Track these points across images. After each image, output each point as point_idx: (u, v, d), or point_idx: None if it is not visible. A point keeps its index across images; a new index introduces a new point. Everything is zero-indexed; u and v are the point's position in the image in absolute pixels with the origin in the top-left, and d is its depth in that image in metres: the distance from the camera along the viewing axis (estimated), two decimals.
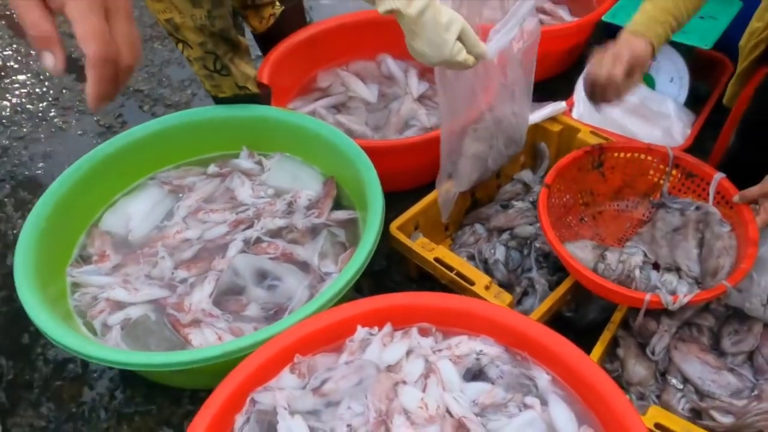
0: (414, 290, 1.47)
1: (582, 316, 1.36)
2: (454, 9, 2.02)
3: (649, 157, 1.37)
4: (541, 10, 2.03)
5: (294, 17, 1.84)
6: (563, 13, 2.00)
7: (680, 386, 1.12)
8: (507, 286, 1.41)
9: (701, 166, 1.30)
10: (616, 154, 1.40)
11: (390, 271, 1.52)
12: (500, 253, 1.42)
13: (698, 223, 1.23)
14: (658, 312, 1.19)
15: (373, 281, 1.50)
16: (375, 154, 1.44)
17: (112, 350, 1.09)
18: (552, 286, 1.36)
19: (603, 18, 1.69)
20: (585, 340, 1.22)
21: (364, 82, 1.87)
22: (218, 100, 1.56)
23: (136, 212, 1.44)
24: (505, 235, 1.46)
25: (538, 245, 1.42)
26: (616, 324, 1.19)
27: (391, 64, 1.90)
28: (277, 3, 1.81)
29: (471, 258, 1.46)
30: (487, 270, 1.42)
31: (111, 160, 1.46)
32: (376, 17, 1.88)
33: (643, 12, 1.19)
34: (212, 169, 1.54)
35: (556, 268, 1.41)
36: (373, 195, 1.29)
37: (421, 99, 1.81)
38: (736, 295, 1.15)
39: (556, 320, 1.36)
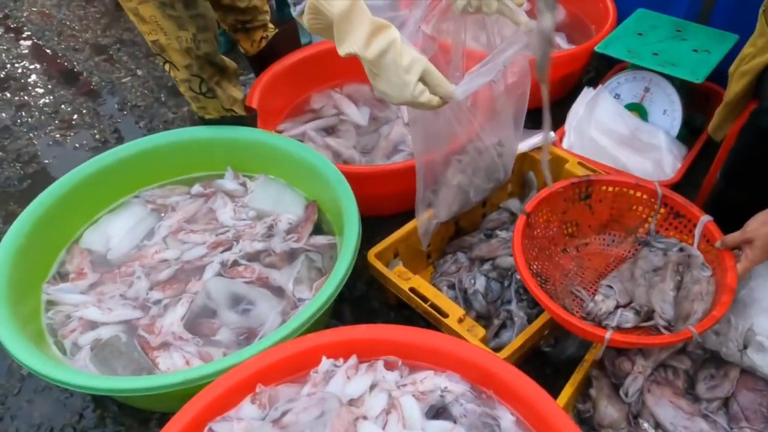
0: (393, 317, 1.46)
1: (560, 351, 1.33)
2: (456, 34, 2.03)
3: (638, 193, 1.35)
4: None
5: (287, 40, 1.85)
6: (560, 41, 1.99)
7: (652, 431, 1.09)
8: (486, 317, 1.39)
9: (689, 207, 1.27)
10: (603, 188, 1.38)
11: (369, 297, 1.50)
12: (480, 283, 1.40)
13: (678, 264, 1.20)
14: (633, 352, 1.17)
15: (352, 307, 1.49)
16: (358, 178, 1.43)
17: (74, 373, 1.08)
18: (531, 319, 1.33)
19: (596, 48, 1.68)
20: (563, 375, 1.21)
21: (357, 105, 1.87)
22: (205, 121, 1.56)
23: (117, 230, 1.44)
24: (487, 265, 1.45)
25: (519, 277, 1.40)
26: (588, 363, 1.16)
27: None
28: (270, 26, 1.82)
29: (451, 287, 1.44)
30: (467, 300, 1.40)
31: (95, 178, 1.47)
32: None
33: None
34: (196, 189, 1.54)
35: (537, 302, 1.39)
36: (350, 222, 1.28)
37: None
38: (713, 339, 1.12)
39: (534, 355, 1.34)
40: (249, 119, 1.58)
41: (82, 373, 1.11)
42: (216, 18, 1.57)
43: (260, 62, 1.81)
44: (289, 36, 1.87)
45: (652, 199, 1.34)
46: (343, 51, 0.96)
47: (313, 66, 1.89)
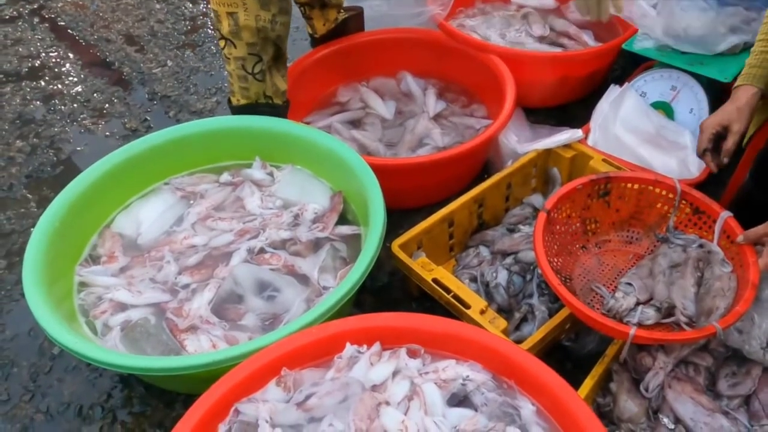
0: (414, 308, 1.48)
1: (581, 346, 1.34)
2: (482, 28, 2.04)
3: (657, 189, 1.35)
4: (565, 34, 2.02)
5: (355, 25, 1.89)
6: (587, 38, 1.99)
7: (672, 426, 1.09)
8: (507, 311, 1.40)
9: (708, 203, 1.27)
10: (623, 185, 1.39)
11: (392, 288, 1.52)
12: (502, 277, 1.42)
13: (698, 261, 1.21)
14: (654, 348, 1.17)
15: (374, 297, 1.51)
16: (383, 171, 1.45)
17: (106, 352, 1.11)
18: (552, 314, 1.34)
19: (623, 46, 1.68)
20: (583, 370, 1.21)
21: (383, 99, 1.88)
22: (235, 110, 1.59)
23: (147, 216, 1.48)
24: (509, 259, 1.46)
25: (540, 272, 1.41)
26: (609, 357, 1.17)
27: (411, 82, 1.91)
28: (342, 10, 1.86)
29: (473, 280, 1.46)
30: (488, 293, 1.41)
31: (127, 165, 1.50)
32: (399, 35, 1.93)
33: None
34: (225, 177, 1.57)
35: (558, 297, 1.40)
36: (375, 212, 1.30)
37: (437, 118, 1.82)
38: (736, 336, 1.12)
39: (555, 349, 1.35)
40: (281, 109, 1.61)
41: (114, 353, 1.14)
42: None
43: (325, 44, 1.86)
44: (357, 22, 1.92)
45: (671, 196, 1.34)
46: None
47: (340, 59, 1.92)
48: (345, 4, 1.96)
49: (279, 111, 1.58)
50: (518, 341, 1.31)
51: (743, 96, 1.27)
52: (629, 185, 1.39)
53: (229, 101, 1.59)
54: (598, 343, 1.32)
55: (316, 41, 1.91)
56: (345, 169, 1.44)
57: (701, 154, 1.32)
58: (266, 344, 1.07)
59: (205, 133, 1.58)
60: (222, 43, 1.47)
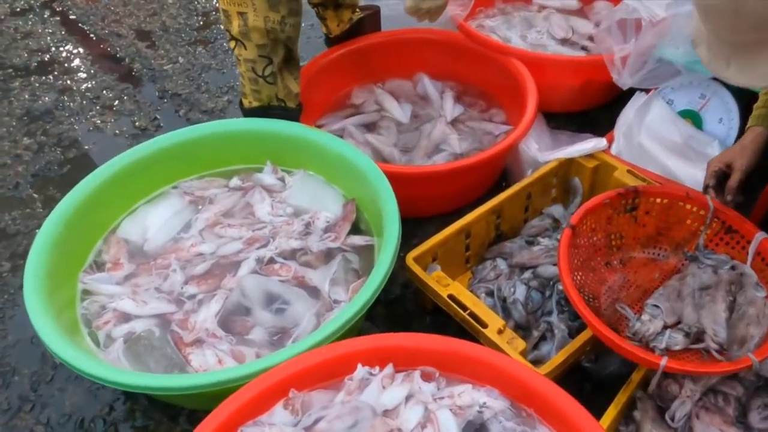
0: (428, 323, 1.43)
1: (602, 368, 1.28)
2: (502, 29, 1.98)
3: (688, 206, 1.29)
4: (588, 37, 1.96)
5: (370, 25, 1.84)
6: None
7: None
8: (525, 328, 1.35)
9: (743, 223, 1.21)
10: (652, 199, 1.32)
11: (405, 301, 1.47)
12: (520, 292, 1.36)
13: (731, 284, 1.14)
14: (682, 375, 1.11)
15: (387, 310, 1.46)
16: (397, 179, 1.39)
17: (103, 366, 1.07)
18: (572, 333, 1.29)
19: None
20: (604, 392, 1.16)
21: (399, 101, 1.83)
22: (247, 112, 1.54)
23: (154, 221, 1.43)
24: (527, 274, 1.40)
25: (561, 287, 1.35)
26: (634, 384, 1.11)
27: (428, 84, 1.86)
28: (358, 10, 1.81)
29: (489, 294, 1.40)
30: (505, 309, 1.36)
31: (134, 168, 1.46)
32: (416, 36, 1.88)
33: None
34: (234, 182, 1.52)
35: (578, 314, 1.34)
36: (390, 224, 1.25)
37: (454, 123, 1.76)
38: None
39: (574, 370, 1.29)
40: (294, 112, 1.56)
41: (115, 369, 1.10)
42: None
43: (340, 44, 1.82)
44: (373, 21, 1.88)
45: (703, 212, 1.28)
46: None
47: (356, 60, 1.86)
48: (361, 3, 1.91)
49: (292, 114, 1.53)
50: (536, 361, 1.26)
51: (749, 135, 1.29)
52: (658, 200, 1.33)
53: (241, 103, 1.55)
54: (620, 365, 1.26)
55: (331, 41, 1.86)
56: (358, 176, 1.39)
57: (704, 191, 1.31)
58: (273, 364, 1.02)
59: (215, 136, 1.53)
60: (232, 43, 1.42)
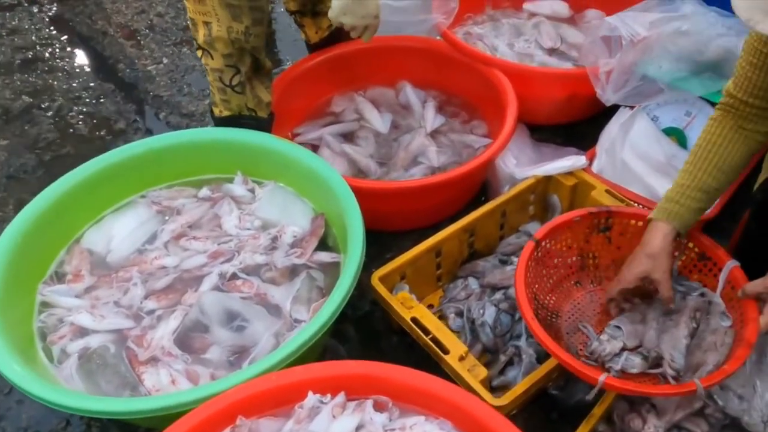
0: (395, 343, 1.40)
1: (569, 396, 1.25)
2: (490, 36, 1.93)
3: None
4: (576, 47, 1.91)
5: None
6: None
7: None
8: (493, 351, 1.32)
9: (715, 249, 1.17)
10: (626, 221, 1.29)
11: (373, 318, 1.44)
12: (489, 314, 1.33)
13: (696, 311, 1.11)
14: (645, 409, 1.08)
15: (355, 327, 1.43)
16: (370, 194, 1.36)
17: (44, 387, 1.03)
18: (541, 358, 1.25)
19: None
20: (570, 421, 1.13)
21: (380, 110, 1.79)
22: (218, 121, 1.51)
23: (119, 232, 1.40)
24: (498, 294, 1.37)
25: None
26: (596, 418, 1.08)
27: (410, 93, 1.82)
28: None
29: (459, 315, 1.37)
30: (474, 331, 1.33)
31: (102, 176, 1.43)
32: (399, 44, 1.84)
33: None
34: (204, 192, 1.49)
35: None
36: (354, 243, 1.21)
37: (435, 134, 1.72)
38: (735, 403, 1.03)
39: (541, 396, 1.26)
40: (267, 123, 1.53)
41: (54, 389, 1.06)
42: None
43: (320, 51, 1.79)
44: None
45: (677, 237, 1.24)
46: None
47: (337, 67, 1.82)
48: None
49: (263, 124, 1.50)
50: (502, 386, 1.23)
51: (656, 238, 1.12)
52: (632, 221, 1.29)
53: (212, 112, 1.51)
54: (588, 392, 1.22)
55: (311, 48, 1.82)
56: (326, 190, 1.36)
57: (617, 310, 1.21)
58: (222, 389, 0.99)
59: (186, 145, 1.50)
60: (200, 53, 1.40)
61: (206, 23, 1.34)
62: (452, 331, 1.34)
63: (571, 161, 1.49)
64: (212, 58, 1.38)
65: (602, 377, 1.02)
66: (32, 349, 1.20)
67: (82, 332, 1.22)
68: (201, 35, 1.36)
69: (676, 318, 1.12)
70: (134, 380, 1.15)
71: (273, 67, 1.55)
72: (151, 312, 1.25)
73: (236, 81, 1.41)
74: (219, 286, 1.29)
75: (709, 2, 1.62)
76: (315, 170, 1.39)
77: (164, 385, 1.13)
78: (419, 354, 1.26)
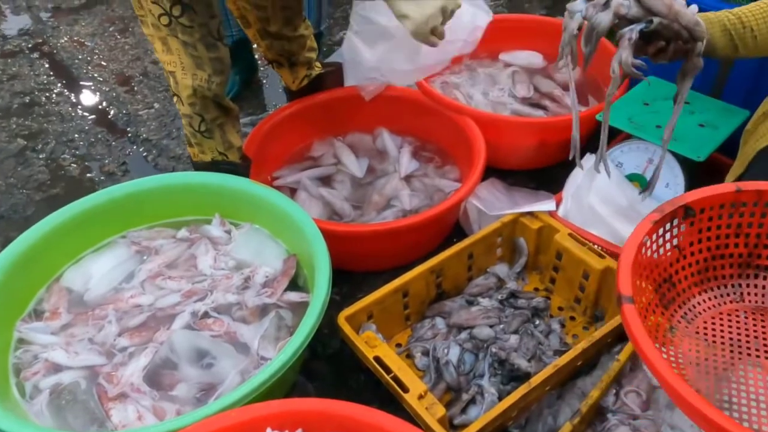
0: (362, 380, 1.43)
1: None
2: (466, 85, 2.00)
3: None
4: (549, 96, 1.99)
5: (331, 81, 1.88)
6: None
7: None
8: (457, 390, 1.35)
9: None
10: None
11: (343, 356, 1.47)
12: (453, 353, 1.36)
13: None
14: None
15: (325, 364, 1.46)
16: (340, 237, 1.41)
17: (16, 423, 1.07)
18: (503, 397, 1.28)
19: (596, 117, 1.63)
20: None
21: (357, 155, 1.86)
22: (197, 165, 1.58)
23: (98, 270, 1.45)
24: (464, 334, 1.41)
25: (494, 350, 1.35)
26: None
27: (387, 139, 1.89)
28: (317, 65, 1.85)
29: (426, 353, 1.41)
30: (438, 370, 1.36)
31: (84, 217, 1.48)
32: (378, 92, 1.91)
33: None
34: (182, 233, 1.54)
35: (511, 377, 1.34)
36: (320, 284, 1.26)
37: (408, 178, 1.79)
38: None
39: None
40: (242, 167, 1.59)
41: (24, 425, 1.10)
42: (263, 47, 1.74)
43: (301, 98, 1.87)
44: (333, 78, 1.90)
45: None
46: None
47: (317, 113, 1.90)
48: (329, 59, 1.95)
49: (238, 168, 1.56)
50: (463, 425, 1.26)
51: None
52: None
53: (190, 157, 1.58)
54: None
55: (293, 95, 1.90)
56: (298, 233, 1.41)
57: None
58: (184, 425, 1.02)
59: (167, 188, 1.55)
60: (175, 99, 1.48)
61: (171, 72, 1.43)
62: (418, 369, 1.39)
63: (541, 205, 1.55)
64: (182, 104, 1.47)
65: None
66: (6, 384, 1.23)
67: (56, 368, 1.26)
68: (171, 82, 1.45)
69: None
70: (102, 416, 1.18)
71: (258, 112, 1.63)
72: (123, 349, 1.29)
73: (204, 127, 1.50)
74: (191, 324, 1.33)
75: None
76: (288, 213, 1.45)
77: (131, 421, 1.17)
78: (385, 392, 1.29)
